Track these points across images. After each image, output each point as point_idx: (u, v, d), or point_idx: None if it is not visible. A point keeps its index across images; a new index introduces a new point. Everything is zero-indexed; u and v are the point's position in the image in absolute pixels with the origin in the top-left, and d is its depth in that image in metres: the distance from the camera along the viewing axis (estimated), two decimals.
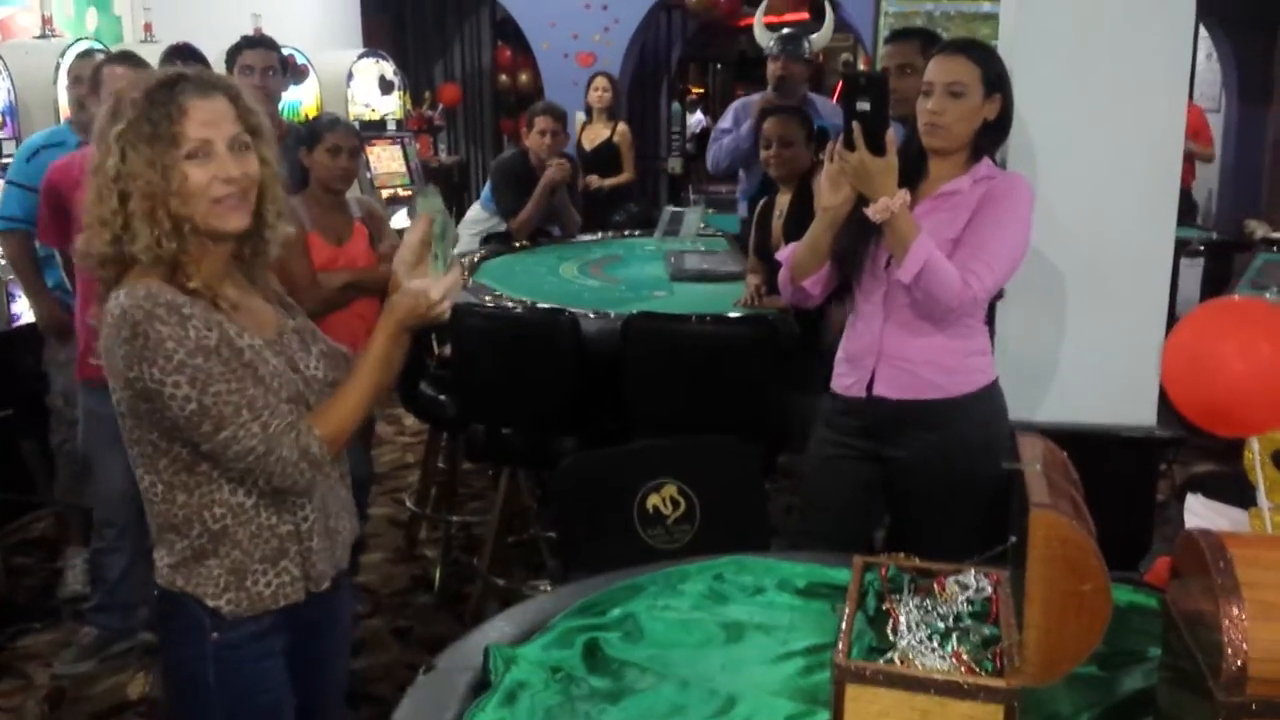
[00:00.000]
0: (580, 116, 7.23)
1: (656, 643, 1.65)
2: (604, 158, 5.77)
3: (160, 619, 1.69)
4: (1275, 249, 4.26)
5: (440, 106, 8.71)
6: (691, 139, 11.60)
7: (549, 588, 3.51)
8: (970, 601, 1.43)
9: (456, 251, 4.51)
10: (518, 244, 4.52)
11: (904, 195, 2.12)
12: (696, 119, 12.62)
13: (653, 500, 2.36)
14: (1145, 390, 2.70)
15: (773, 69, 4.21)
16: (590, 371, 3.18)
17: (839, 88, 9.15)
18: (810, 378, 3.28)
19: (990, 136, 2.27)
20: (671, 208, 5.06)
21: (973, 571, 1.48)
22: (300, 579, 1.66)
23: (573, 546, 2.37)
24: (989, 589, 1.45)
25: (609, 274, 4.08)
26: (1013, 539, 1.50)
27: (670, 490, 2.37)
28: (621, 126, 6.06)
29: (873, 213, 2.13)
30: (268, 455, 1.53)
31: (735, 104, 4.41)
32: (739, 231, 4.47)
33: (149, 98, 1.51)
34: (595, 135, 5.92)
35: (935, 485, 2.30)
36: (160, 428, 1.55)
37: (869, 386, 2.32)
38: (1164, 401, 2.74)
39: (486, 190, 4.80)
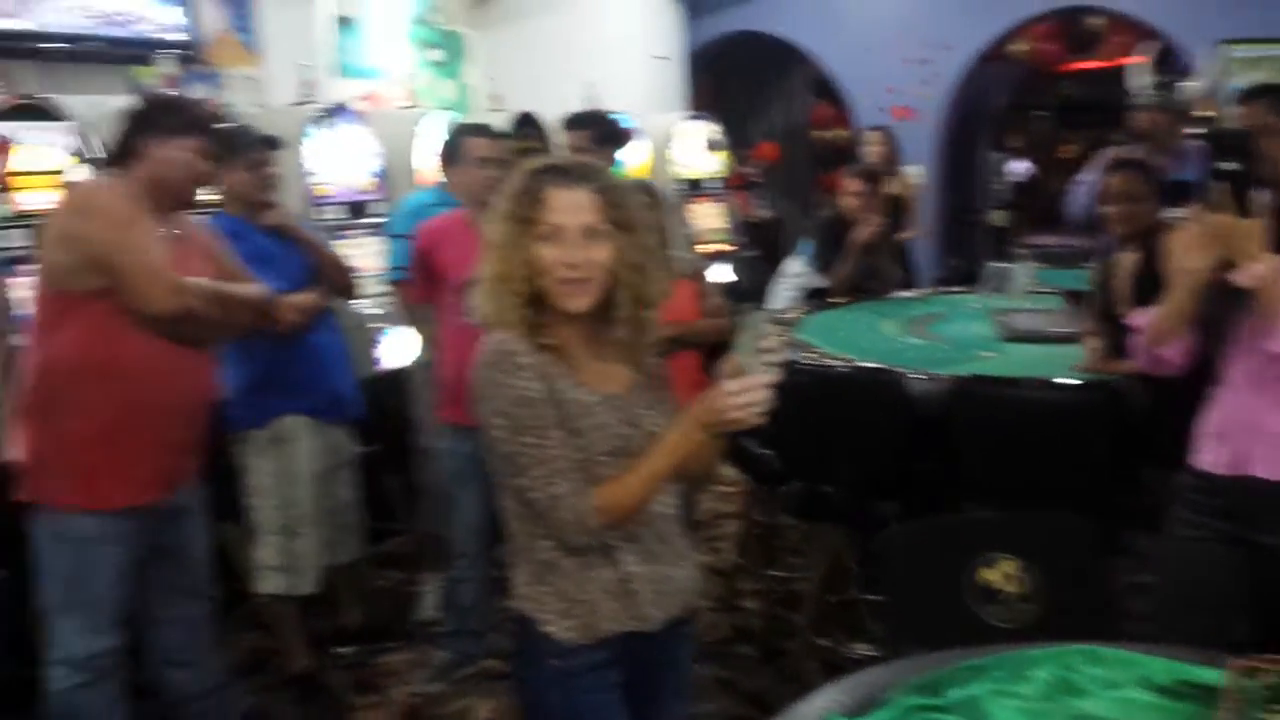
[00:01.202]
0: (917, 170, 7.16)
1: None
2: (887, 212, 5.52)
3: (516, 640, 1.84)
4: None
5: (759, 164, 8.88)
6: (1013, 189, 11.14)
7: (871, 652, 3.46)
8: None
9: (778, 306, 4.63)
10: (837, 300, 4.53)
11: (1276, 261, 1.96)
12: (1019, 167, 12.12)
13: (987, 575, 2.27)
14: None
15: (1139, 119, 3.97)
16: (916, 434, 3.13)
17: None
18: (1163, 450, 3.07)
19: None
20: (998, 263, 4.89)
21: None
22: (625, 617, 1.76)
23: (899, 617, 2.32)
24: None
25: (933, 332, 4.00)
26: None
27: (1007, 566, 2.27)
28: (907, 180, 5.76)
29: (1240, 278, 1.99)
30: (549, 511, 1.68)
31: (1106, 152, 4.20)
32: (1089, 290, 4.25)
33: (523, 183, 1.72)
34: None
35: None
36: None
37: (1240, 465, 2.14)
38: None
39: (808, 246, 4.85)
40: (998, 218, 8.67)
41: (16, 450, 2.63)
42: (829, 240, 4.58)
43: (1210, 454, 2.21)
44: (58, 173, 3.41)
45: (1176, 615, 2.27)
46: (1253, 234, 1.97)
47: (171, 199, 2.66)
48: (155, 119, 2.66)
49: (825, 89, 8.93)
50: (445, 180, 3.83)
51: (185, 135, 2.63)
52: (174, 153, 2.61)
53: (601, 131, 3.81)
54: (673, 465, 1.71)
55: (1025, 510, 2.44)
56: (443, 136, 3.98)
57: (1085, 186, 4.12)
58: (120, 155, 2.65)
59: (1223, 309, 2.13)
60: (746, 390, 1.64)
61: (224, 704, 3.06)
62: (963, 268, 6.01)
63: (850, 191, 4.48)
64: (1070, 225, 4.48)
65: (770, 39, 8.36)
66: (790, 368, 3.34)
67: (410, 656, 3.61)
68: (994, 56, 8.41)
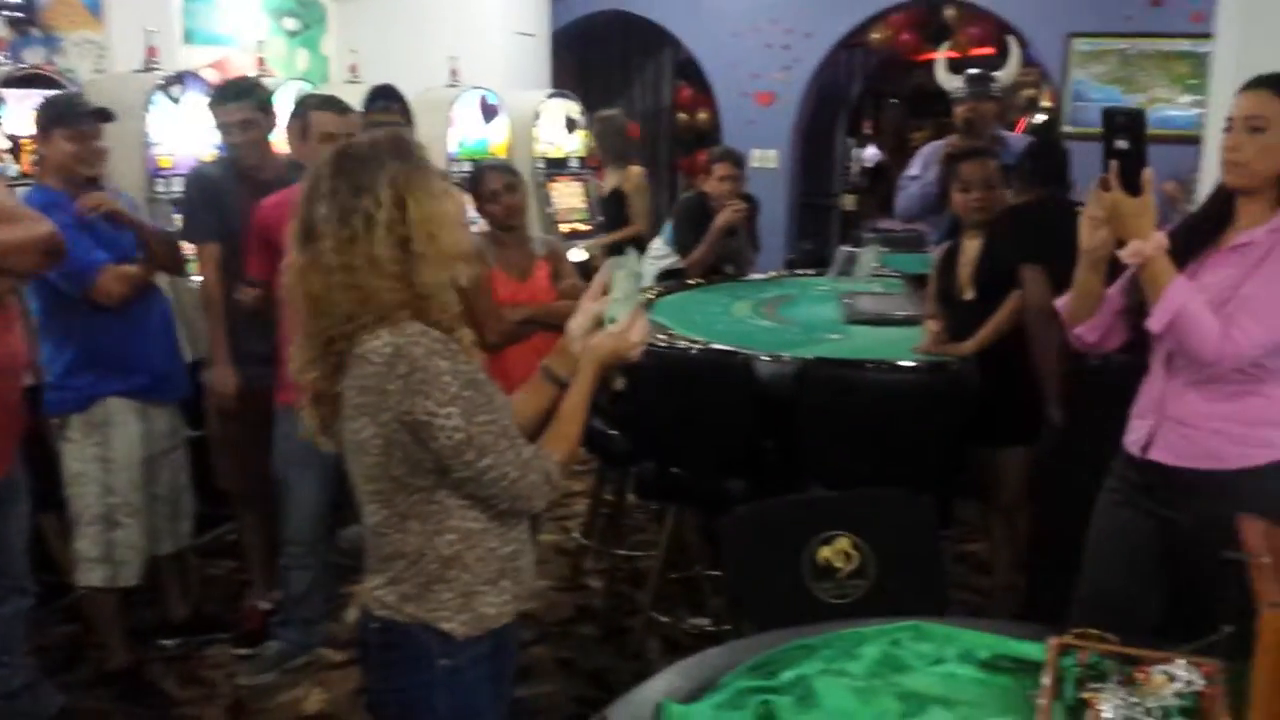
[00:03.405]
0: (756, 153, 7.25)
1: (831, 711, 1.59)
2: (611, 207, 5.33)
3: (381, 649, 1.74)
4: None
5: None
6: (862, 174, 11.46)
7: (710, 627, 3.49)
8: (1179, 695, 1.32)
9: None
10: (692, 281, 4.54)
11: (1159, 239, 1.98)
12: (870, 153, 12.51)
13: (824, 553, 2.30)
14: None
15: (960, 111, 4.10)
16: (763, 414, 3.15)
17: (1021, 124, 8.85)
18: (991, 428, 3.17)
19: None
20: (846, 247, 4.98)
21: (1182, 662, 1.37)
22: (516, 598, 1.76)
23: (741, 595, 2.33)
24: (1200, 682, 1.34)
25: (782, 315, 4.03)
26: (1226, 629, 1.39)
27: (844, 544, 2.30)
28: (634, 170, 5.52)
29: (1125, 255, 2.00)
30: (520, 480, 1.64)
31: (924, 149, 4.31)
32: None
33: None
34: (611, 182, 5.50)
35: (1208, 559, 2.09)
36: (409, 462, 1.63)
37: (1149, 447, 2.18)
38: None
39: (668, 226, 4.85)
40: (848, 202, 8.87)
41: None
42: (689, 221, 4.57)
43: (1130, 434, 2.24)
44: None
45: (1102, 582, 2.29)
46: (1139, 212, 1.97)
47: None
48: None
49: (690, 71, 8.97)
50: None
51: None
52: None
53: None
54: (586, 410, 1.77)
55: (865, 488, 2.46)
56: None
57: (912, 185, 4.21)
58: None
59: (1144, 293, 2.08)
60: (634, 326, 1.77)
61: (36, 701, 2.88)
62: (815, 250, 6.11)
63: (719, 176, 4.48)
64: (904, 218, 4.58)
65: (637, 20, 8.34)
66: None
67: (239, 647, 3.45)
68: (853, 44, 8.58)
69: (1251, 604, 1.26)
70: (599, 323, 1.82)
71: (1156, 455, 2.14)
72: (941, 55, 4.79)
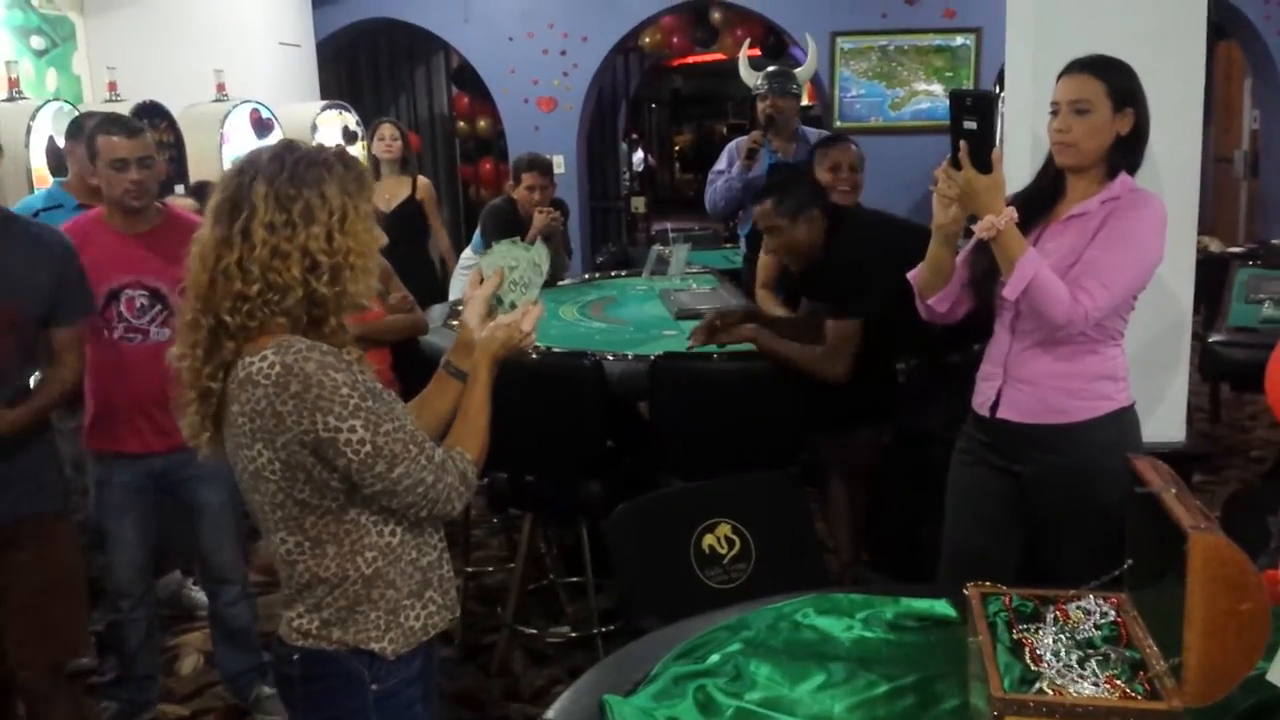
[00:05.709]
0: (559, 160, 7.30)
1: (764, 686, 1.64)
2: (406, 217, 5.19)
3: (307, 682, 1.66)
4: (1250, 263, 4.40)
5: None
6: (635, 178, 11.79)
7: (572, 634, 3.49)
8: (1098, 626, 1.44)
9: (453, 299, 4.53)
10: None
11: (1010, 213, 2.09)
12: (638, 157, 12.93)
13: (708, 540, 2.36)
14: (1174, 406, 2.75)
15: (762, 107, 4.27)
16: (612, 414, 3.17)
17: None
18: (824, 412, 3.31)
19: (1125, 151, 2.22)
20: (658, 247, 5.10)
21: (1090, 597, 1.50)
22: (442, 608, 1.72)
23: (632, 591, 2.34)
24: (1112, 613, 1.46)
25: (610, 315, 4.08)
26: (1129, 562, 1.52)
27: (724, 529, 2.37)
28: (422, 180, 5.45)
29: (979, 230, 2.12)
30: (436, 484, 1.59)
31: (729, 146, 4.45)
32: (743, 268, 4.51)
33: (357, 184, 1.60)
34: (392, 192, 5.30)
35: (1059, 506, 2.26)
36: (314, 483, 1.56)
37: (994, 407, 2.32)
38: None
39: (478, 235, 4.80)
40: (639, 204, 9.06)
41: None
42: (501, 229, 4.53)
43: (978, 395, 2.38)
44: None
45: (963, 541, 2.41)
46: (991, 189, 2.07)
47: None
48: None
49: (465, 78, 8.87)
50: (64, 179, 3.40)
51: None
52: None
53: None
54: (489, 403, 1.74)
55: (736, 474, 2.52)
56: (60, 131, 3.53)
57: (719, 180, 4.35)
58: None
59: (990, 263, 2.20)
60: (527, 316, 1.75)
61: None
62: (618, 252, 6.21)
63: (527, 186, 4.48)
64: (714, 214, 4.68)
65: (403, 26, 8.18)
66: None
67: (67, 710, 3.16)
68: (627, 49, 8.74)
69: (1154, 535, 1.39)
70: (491, 311, 1.79)
71: (1004, 414, 2.31)
72: (744, 54, 4.98)
